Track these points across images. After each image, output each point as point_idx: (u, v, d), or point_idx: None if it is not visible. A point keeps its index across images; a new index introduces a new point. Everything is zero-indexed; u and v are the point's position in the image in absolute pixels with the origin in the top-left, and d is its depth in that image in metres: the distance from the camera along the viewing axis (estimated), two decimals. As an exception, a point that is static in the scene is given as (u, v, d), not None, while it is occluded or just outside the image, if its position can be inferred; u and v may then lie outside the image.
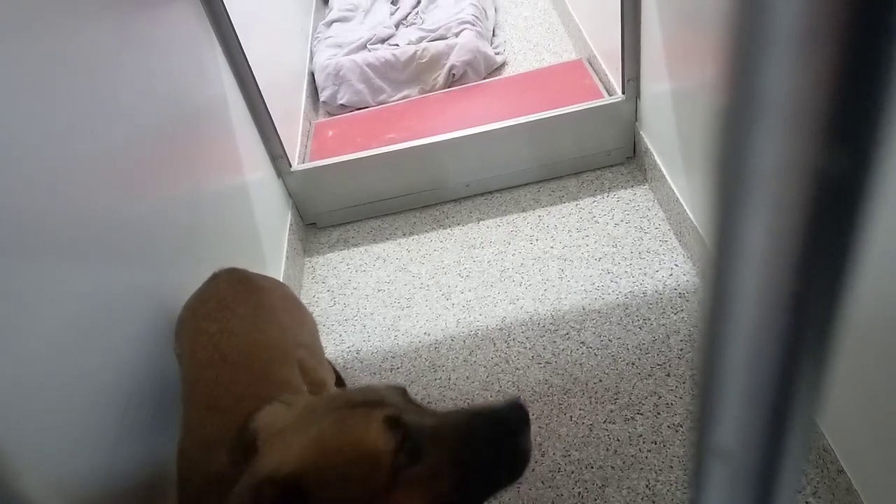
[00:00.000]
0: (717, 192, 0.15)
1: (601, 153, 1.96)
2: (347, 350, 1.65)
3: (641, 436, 1.32)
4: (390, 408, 0.65)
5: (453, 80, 2.42)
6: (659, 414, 1.35)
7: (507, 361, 1.53)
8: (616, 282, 1.64)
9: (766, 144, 0.13)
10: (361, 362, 1.61)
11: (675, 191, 1.67)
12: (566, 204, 1.90)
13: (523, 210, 1.92)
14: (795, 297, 0.15)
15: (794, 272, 0.14)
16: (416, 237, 1.93)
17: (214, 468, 0.77)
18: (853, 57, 0.12)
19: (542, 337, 1.56)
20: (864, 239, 0.15)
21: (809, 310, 0.15)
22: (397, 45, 2.53)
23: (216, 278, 1.06)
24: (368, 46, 2.57)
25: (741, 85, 0.13)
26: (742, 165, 0.14)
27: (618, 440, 1.33)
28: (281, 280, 1.70)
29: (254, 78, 1.74)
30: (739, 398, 0.17)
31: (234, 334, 0.93)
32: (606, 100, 1.89)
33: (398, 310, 1.72)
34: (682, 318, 1.52)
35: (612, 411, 1.38)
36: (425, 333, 1.64)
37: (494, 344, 1.57)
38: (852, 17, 0.11)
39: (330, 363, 1.36)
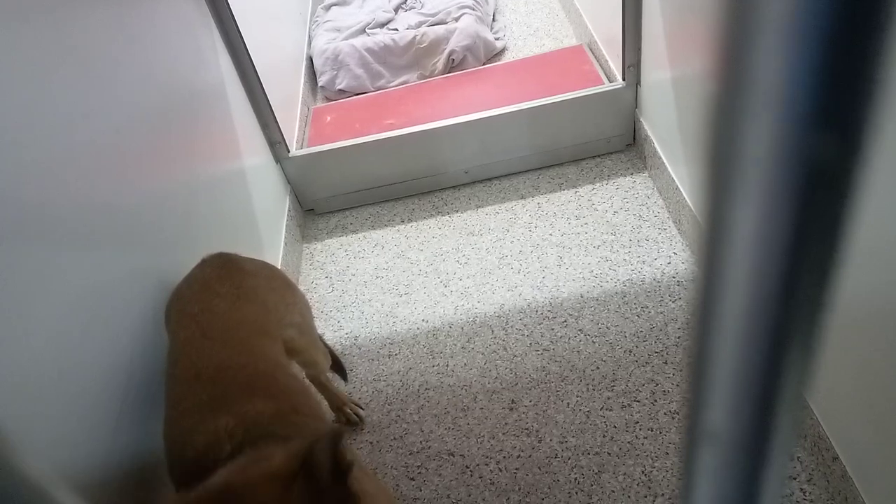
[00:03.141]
0: (709, 176, 0.15)
1: (601, 140, 1.95)
2: (345, 336, 1.65)
3: (638, 423, 1.33)
4: None
5: (453, 65, 2.41)
6: (656, 401, 1.36)
7: (505, 348, 1.53)
8: (614, 269, 1.64)
9: (757, 129, 0.13)
10: (359, 349, 1.62)
11: (675, 179, 1.67)
12: (565, 191, 1.90)
13: (522, 197, 1.92)
14: (785, 279, 0.15)
15: (784, 255, 0.15)
16: (414, 224, 1.93)
17: (220, 423, 0.80)
18: (844, 42, 0.12)
19: (539, 324, 1.56)
20: (853, 223, 0.15)
21: (799, 291, 0.15)
22: (396, 29, 2.52)
23: (203, 263, 1.09)
24: (367, 31, 2.55)
25: (733, 69, 0.13)
26: (733, 150, 0.14)
27: (614, 427, 1.33)
28: (279, 266, 1.70)
29: (252, 63, 1.72)
30: (729, 379, 0.17)
31: (215, 313, 0.97)
32: (607, 86, 1.88)
33: (396, 296, 1.72)
34: (680, 305, 1.53)
35: (609, 398, 1.38)
36: (423, 320, 1.64)
37: (492, 331, 1.58)
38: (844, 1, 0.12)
39: (329, 348, 1.37)
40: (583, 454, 1.30)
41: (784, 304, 0.16)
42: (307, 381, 1.33)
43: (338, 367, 1.43)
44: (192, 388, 0.87)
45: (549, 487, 1.27)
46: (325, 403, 1.41)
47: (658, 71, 1.65)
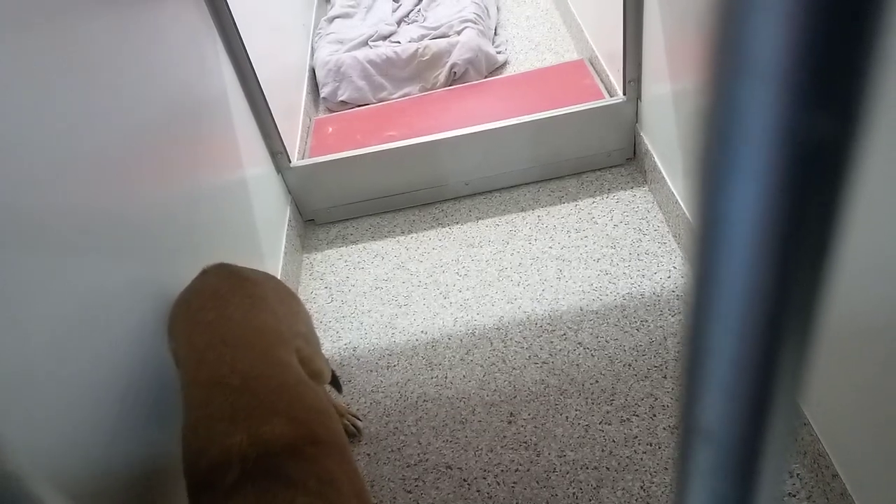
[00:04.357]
0: (701, 163, 0.15)
1: (601, 154, 1.96)
2: (344, 347, 1.65)
3: (637, 437, 1.32)
4: None
5: (454, 78, 2.42)
6: (655, 416, 1.35)
7: (504, 361, 1.53)
8: (614, 283, 1.64)
9: (751, 109, 0.13)
10: (358, 360, 1.61)
11: (675, 193, 1.67)
12: (565, 204, 1.90)
13: (522, 210, 1.92)
14: (779, 269, 0.15)
15: (779, 243, 0.15)
16: (414, 235, 1.93)
17: (234, 441, 0.79)
18: (839, 19, 0.12)
19: (539, 337, 1.56)
20: (849, 211, 0.15)
21: (794, 283, 0.15)
22: (399, 42, 2.53)
23: (206, 273, 1.08)
24: (370, 43, 2.57)
25: (727, 47, 0.13)
26: (726, 132, 0.14)
27: (613, 441, 1.33)
28: (279, 276, 1.70)
29: (255, 73, 1.73)
30: (722, 379, 0.17)
31: (232, 320, 0.95)
32: (607, 101, 1.89)
33: (396, 307, 1.72)
34: (680, 320, 1.52)
35: (608, 412, 1.38)
36: (422, 332, 1.64)
37: (492, 343, 1.57)
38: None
39: (326, 360, 1.36)
40: (581, 468, 1.29)
41: (778, 297, 0.15)
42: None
43: (332, 378, 1.43)
44: (216, 394, 0.86)
45: (548, 502, 1.26)
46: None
47: (658, 86, 1.66)
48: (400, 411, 1.48)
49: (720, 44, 0.13)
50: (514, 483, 1.30)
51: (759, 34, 0.12)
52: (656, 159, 1.77)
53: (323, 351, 1.39)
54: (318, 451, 0.83)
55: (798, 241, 0.14)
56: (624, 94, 1.85)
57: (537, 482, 1.29)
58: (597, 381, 1.44)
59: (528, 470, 1.32)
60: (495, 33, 2.68)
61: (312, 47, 2.71)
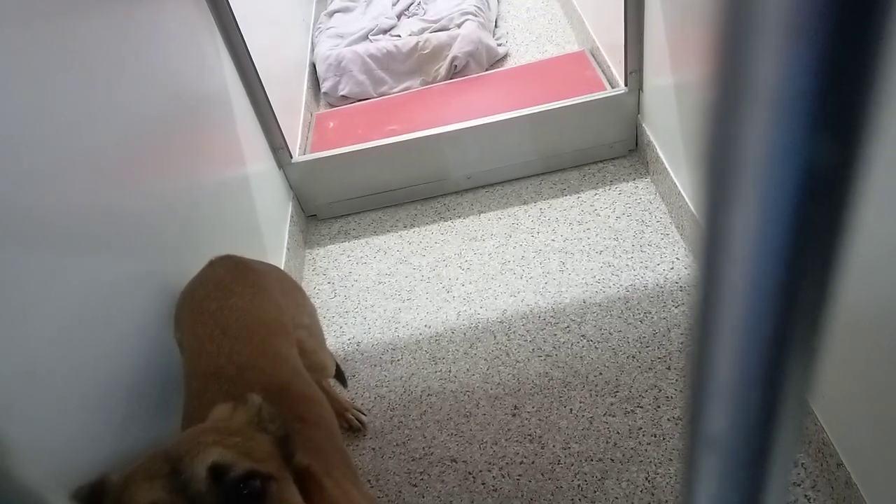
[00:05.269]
0: (707, 181, 0.15)
1: (603, 146, 1.95)
2: (348, 342, 1.65)
3: (641, 429, 1.33)
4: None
5: (455, 71, 2.41)
6: (659, 407, 1.35)
7: (508, 354, 1.53)
8: (617, 275, 1.64)
9: (755, 132, 0.13)
10: (362, 354, 1.61)
11: (677, 184, 1.66)
12: (568, 197, 1.90)
13: (525, 202, 1.92)
14: (785, 284, 0.15)
15: (784, 260, 0.15)
16: (417, 229, 1.93)
17: None
18: (842, 45, 0.12)
19: (542, 330, 1.56)
20: (853, 227, 0.15)
21: (799, 296, 0.15)
22: (399, 35, 2.52)
23: (213, 264, 1.10)
24: (370, 37, 2.56)
25: (730, 73, 0.13)
26: (731, 153, 0.14)
27: (618, 433, 1.33)
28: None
29: (255, 69, 1.73)
30: (730, 384, 0.17)
31: (234, 310, 0.97)
32: (609, 92, 1.88)
33: (399, 302, 1.72)
34: (683, 311, 1.52)
35: (612, 404, 1.38)
36: (426, 326, 1.64)
37: (495, 336, 1.57)
38: (841, 3, 0.12)
39: (331, 354, 1.37)
40: (586, 460, 1.30)
41: (783, 310, 0.15)
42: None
43: (337, 373, 1.43)
44: (212, 384, 0.88)
45: (553, 494, 1.26)
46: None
47: (660, 76, 1.66)
48: (404, 405, 1.48)
49: (724, 67, 0.13)
50: (520, 475, 1.31)
51: (763, 58, 0.12)
52: (658, 150, 1.77)
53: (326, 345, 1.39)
54: (304, 426, 0.86)
55: (803, 256, 0.15)
56: (625, 85, 1.84)
57: (542, 474, 1.30)
58: (601, 374, 1.44)
59: (532, 462, 1.32)
60: (496, 26, 2.67)
61: (312, 42, 2.70)
